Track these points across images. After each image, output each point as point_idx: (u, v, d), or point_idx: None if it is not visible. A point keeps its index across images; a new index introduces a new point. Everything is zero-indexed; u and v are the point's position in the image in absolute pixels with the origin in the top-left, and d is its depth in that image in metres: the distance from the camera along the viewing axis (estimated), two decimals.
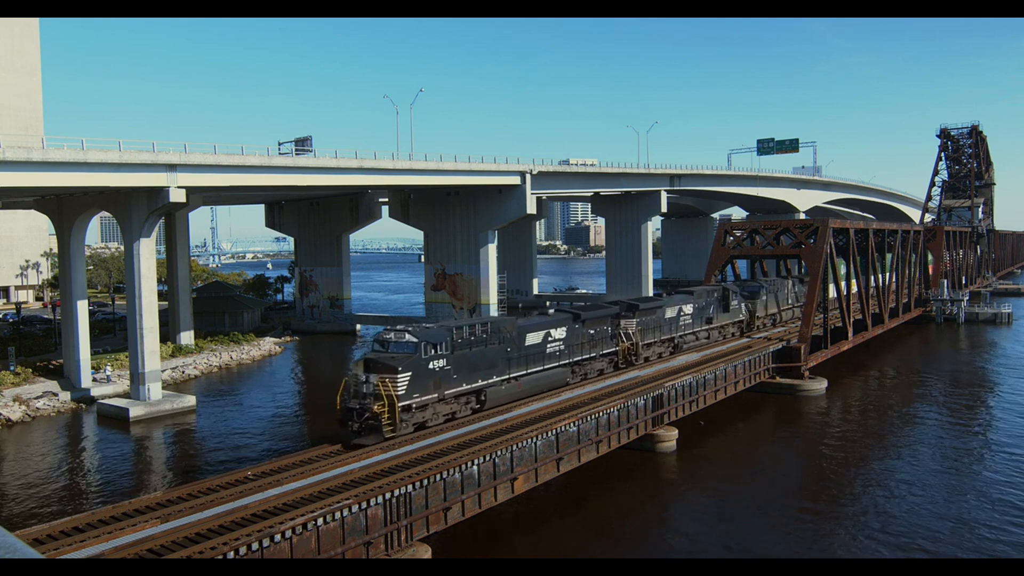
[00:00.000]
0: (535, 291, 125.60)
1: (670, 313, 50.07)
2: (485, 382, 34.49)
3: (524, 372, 36.88)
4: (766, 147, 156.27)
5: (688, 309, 52.22)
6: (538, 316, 41.07)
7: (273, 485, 24.70)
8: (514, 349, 36.21)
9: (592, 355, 42.42)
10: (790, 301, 69.73)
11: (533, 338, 37.46)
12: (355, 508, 22.73)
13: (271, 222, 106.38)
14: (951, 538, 28.62)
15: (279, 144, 74.58)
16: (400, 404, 29.49)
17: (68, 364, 58.55)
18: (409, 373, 29.99)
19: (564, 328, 39.80)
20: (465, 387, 33.35)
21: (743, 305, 60.01)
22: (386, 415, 29.09)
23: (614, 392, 38.87)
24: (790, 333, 59.70)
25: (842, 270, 64.74)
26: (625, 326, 45.18)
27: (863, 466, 38.11)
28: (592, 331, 42.12)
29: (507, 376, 35.78)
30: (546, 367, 38.49)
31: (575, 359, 40.84)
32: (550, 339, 38.75)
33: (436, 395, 31.61)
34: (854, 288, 67.46)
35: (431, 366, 31.24)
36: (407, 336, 31.36)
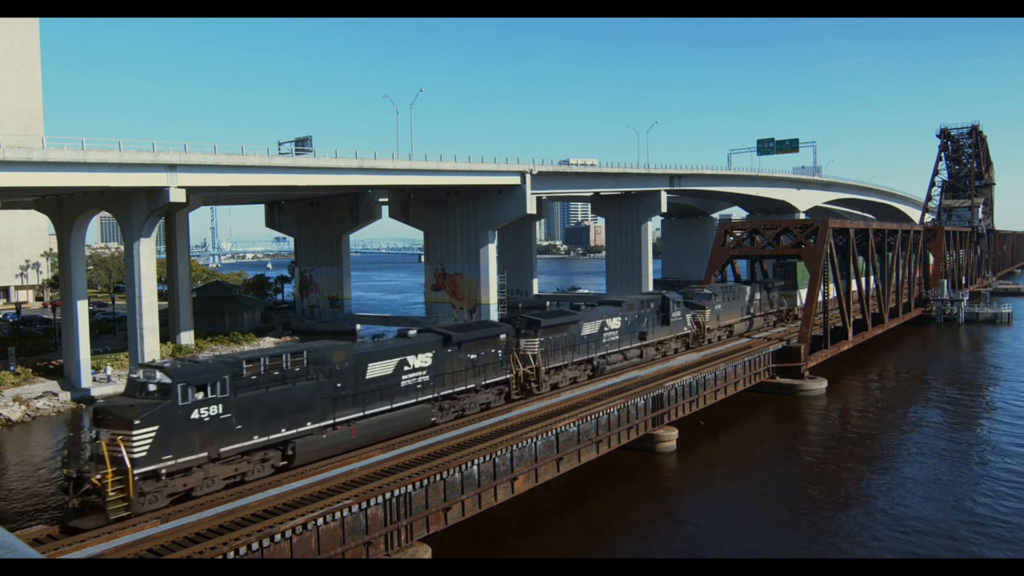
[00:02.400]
0: (535, 291, 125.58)
1: (589, 329, 42.01)
2: (294, 431, 26.21)
3: (360, 414, 28.54)
4: (766, 147, 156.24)
5: (614, 323, 44.30)
6: (394, 340, 32.84)
7: (273, 485, 24.70)
8: (347, 384, 28.13)
9: (471, 386, 33.90)
10: (751, 310, 62.10)
11: (379, 369, 29.58)
12: (355, 508, 22.73)
13: (271, 222, 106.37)
14: (951, 538, 28.61)
15: (279, 144, 74.63)
16: (140, 470, 21.92)
17: (68, 364, 58.55)
18: (154, 427, 22.35)
19: (429, 354, 31.74)
20: (258, 440, 25.22)
21: (688, 316, 52.23)
22: (110, 488, 21.37)
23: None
24: (790, 333, 59.69)
25: (842, 270, 64.65)
26: (525, 347, 37.36)
27: (863, 466, 38.10)
28: (473, 356, 33.92)
29: (331, 421, 27.56)
30: (397, 405, 30.20)
31: (444, 392, 32.39)
32: (407, 369, 30.75)
33: (206, 453, 23.75)
34: (854, 288, 67.34)
35: (196, 415, 23.48)
36: (159, 375, 23.49)
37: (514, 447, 29.07)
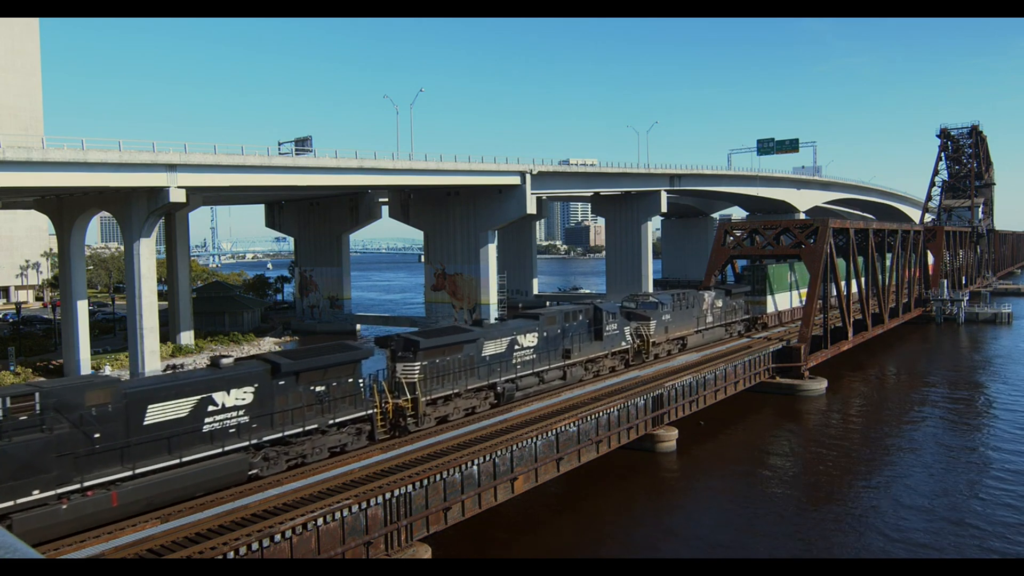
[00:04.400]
0: (535, 291, 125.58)
1: (492, 348, 35.42)
2: (6, 503, 19.47)
3: (129, 473, 21.89)
4: (766, 147, 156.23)
5: (528, 340, 37.52)
6: (201, 371, 26.20)
7: (273, 485, 24.70)
8: (111, 434, 21.79)
9: (313, 426, 27.12)
10: (709, 319, 55.74)
11: (165, 411, 23.15)
12: (355, 508, 22.73)
13: (271, 222, 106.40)
14: (952, 537, 28.62)
15: (279, 144, 74.72)
16: None
17: (68, 364, 58.56)
18: None
19: (250, 388, 25.28)
20: None
21: (627, 329, 45.71)
22: None
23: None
24: (790, 333, 59.67)
25: (842, 270, 64.61)
26: (402, 373, 31.06)
27: (863, 466, 38.10)
28: (318, 388, 27.46)
29: (78, 485, 20.80)
30: (192, 458, 23.34)
31: (270, 436, 25.75)
32: (214, 409, 24.30)
33: None
34: (854, 288, 67.34)
35: None
36: None
37: (514, 447, 29.07)
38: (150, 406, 22.91)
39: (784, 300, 68.19)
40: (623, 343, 45.32)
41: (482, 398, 34.87)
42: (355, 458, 27.65)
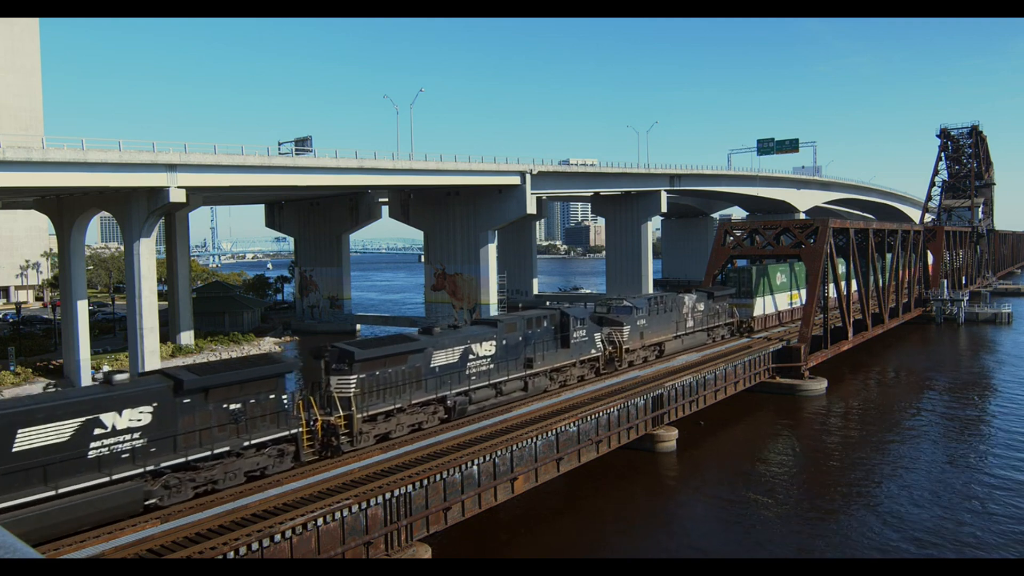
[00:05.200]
0: (535, 291, 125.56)
1: (443, 358, 32.80)
2: None
3: None
4: (766, 147, 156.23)
5: (484, 349, 35.04)
6: (90, 389, 23.96)
7: (273, 485, 24.70)
8: None
9: (225, 449, 24.46)
10: (689, 324, 52.80)
11: (40, 436, 20.71)
12: (355, 508, 22.73)
13: (271, 222, 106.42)
14: (951, 538, 28.62)
15: (279, 144, 74.75)
16: None
17: (68, 364, 58.58)
18: None
19: (147, 408, 22.87)
20: None
21: (597, 335, 43.06)
22: None
23: (606, 395, 38.82)
24: (790, 333, 59.65)
25: (842, 270, 64.59)
26: (337, 387, 28.70)
27: (863, 466, 38.10)
28: (232, 405, 24.95)
29: None
30: (72, 488, 20.85)
31: (171, 461, 23.10)
32: (102, 432, 21.80)
33: None
34: (854, 288, 67.30)
35: None
36: None
37: (514, 447, 29.07)
38: (20, 430, 20.44)
39: (772, 303, 66.29)
40: (593, 350, 42.61)
41: (430, 413, 32.10)
42: (356, 458, 27.57)
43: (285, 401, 26.65)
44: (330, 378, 28.92)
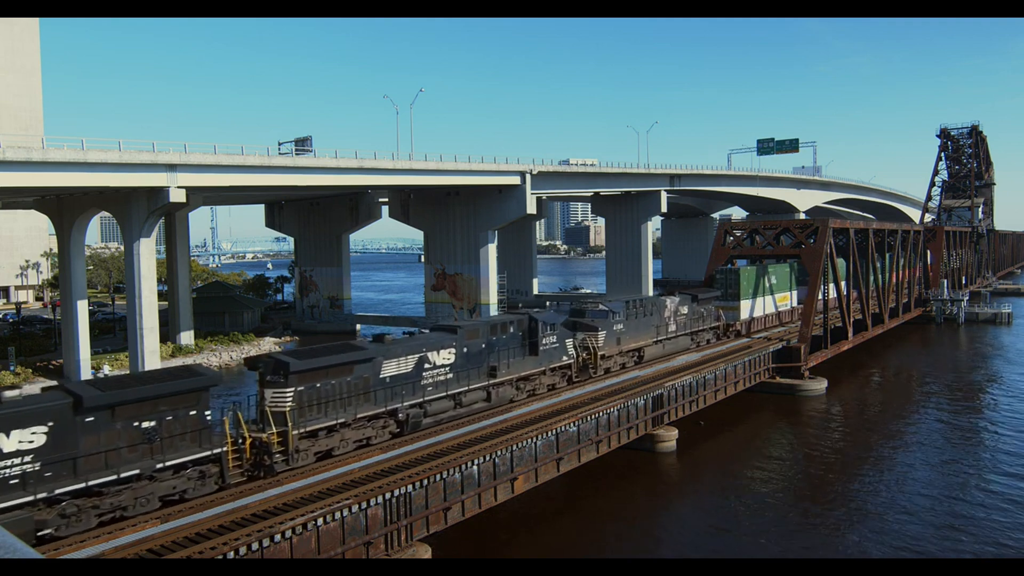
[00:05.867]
0: (535, 291, 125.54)
1: (394, 368, 30.52)
2: None
3: None
4: (766, 147, 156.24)
5: (442, 357, 32.60)
6: None
7: (273, 485, 24.70)
8: None
9: (135, 472, 22.27)
10: (672, 328, 50.47)
11: None
12: (355, 508, 22.74)
13: (271, 222, 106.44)
14: (951, 537, 28.63)
15: (279, 144, 74.76)
16: None
17: (68, 364, 58.59)
18: None
19: (39, 429, 20.79)
20: None
21: (569, 341, 40.67)
22: None
23: (612, 393, 38.81)
24: (790, 333, 59.64)
25: (842, 270, 64.56)
26: (272, 401, 26.58)
27: (863, 466, 38.11)
28: (145, 423, 22.78)
29: None
30: None
31: (72, 487, 21.07)
32: None
33: None
34: (854, 288, 67.25)
35: None
36: None
37: (514, 447, 29.08)
38: None
39: (761, 305, 63.93)
40: (564, 357, 40.17)
41: (379, 427, 29.85)
42: (356, 458, 27.56)
43: (208, 417, 24.29)
44: (265, 391, 26.89)
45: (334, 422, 27.84)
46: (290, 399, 26.62)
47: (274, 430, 25.83)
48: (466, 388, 33.71)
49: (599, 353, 42.48)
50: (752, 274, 62.60)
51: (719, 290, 60.18)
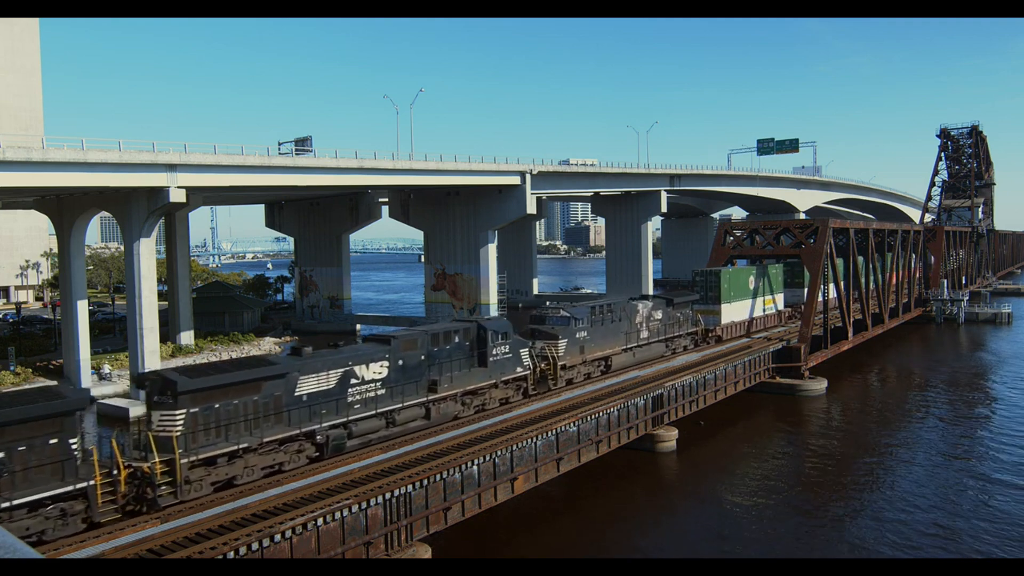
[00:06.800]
0: (535, 291, 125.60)
1: (313, 384, 27.46)
2: None
3: None
4: (766, 147, 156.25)
5: (372, 371, 29.68)
6: None
7: (273, 485, 24.70)
8: None
9: None
10: (644, 335, 47.38)
11: None
12: (355, 508, 22.73)
13: (271, 222, 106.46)
14: (951, 538, 28.63)
15: (279, 144, 74.71)
16: None
17: (68, 364, 58.58)
18: None
19: None
20: None
21: (524, 351, 37.28)
22: None
23: (614, 393, 38.81)
24: (790, 333, 59.63)
25: (841, 270, 64.47)
26: (159, 426, 23.47)
27: (863, 466, 38.11)
28: None
29: None
30: None
31: None
32: None
33: None
34: (853, 288, 67.18)
35: None
36: None
37: (514, 447, 29.08)
38: None
39: (745, 309, 60.30)
40: (519, 368, 36.81)
41: (294, 452, 26.79)
42: (356, 458, 27.50)
43: (75, 446, 21.23)
44: (153, 413, 23.88)
45: (236, 447, 24.70)
46: (180, 423, 23.46)
47: (157, 459, 22.54)
48: (400, 405, 30.53)
49: (559, 363, 39.43)
50: (735, 276, 59.07)
51: (698, 293, 56.72)
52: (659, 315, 49.41)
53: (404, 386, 30.79)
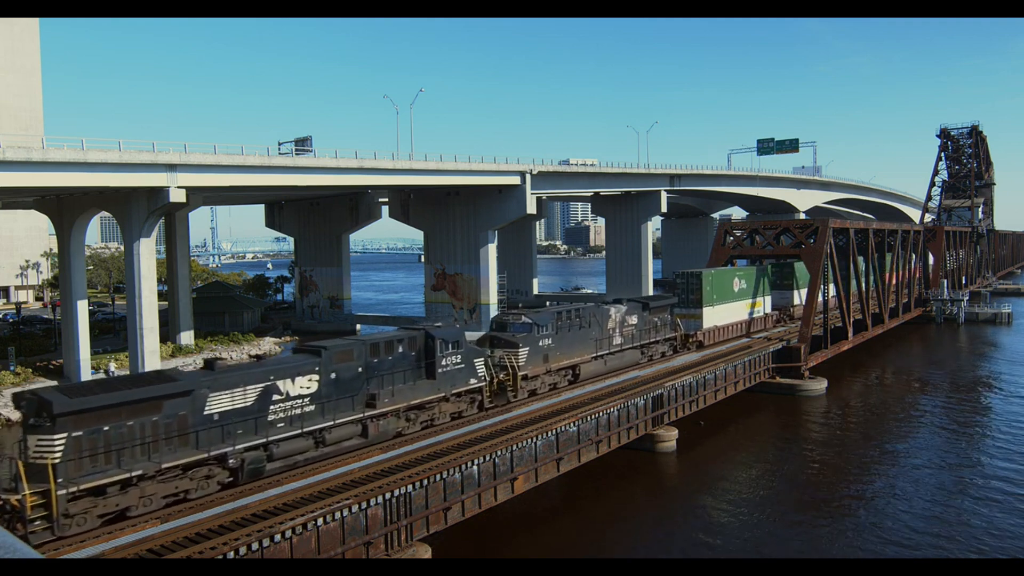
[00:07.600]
0: (535, 291, 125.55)
1: (225, 401, 24.59)
2: None
3: None
4: (766, 147, 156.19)
5: (300, 385, 26.77)
6: None
7: (273, 485, 24.70)
8: None
9: None
10: (617, 341, 44.36)
11: None
12: (355, 508, 22.74)
13: (271, 222, 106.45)
14: (951, 538, 28.63)
15: (279, 144, 74.71)
16: None
17: (68, 364, 58.57)
18: None
19: None
20: None
21: (479, 361, 34.47)
22: None
23: (613, 393, 38.81)
24: (790, 333, 59.63)
25: (842, 270, 64.42)
26: (36, 452, 20.69)
27: (863, 466, 38.11)
28: None
29: None
30: None
31: None
32: None
33: None
34: (854, 288, 67.17)
35: None
36: None
37: (514, 447, 29.08)
38: None
39: (730, 313, 57.69)
40: (472, 380, 33.84)
41: (201, 478, 23.80)
42: (356, 458, 27.49)
43: None
44: (29, 438, 20.91)
45: (128, 475, 21.73)
46: (59, 448, 20.61)
47: (28, 490, 19.78)
48: (331, 423, 27.52)
49: (520, 373, 36.47)
50: (718, 278, 56.27)
51: (677, 296, 54.17)
52: (634, 320, 46.50)
53: (337, 401, 27.90)
